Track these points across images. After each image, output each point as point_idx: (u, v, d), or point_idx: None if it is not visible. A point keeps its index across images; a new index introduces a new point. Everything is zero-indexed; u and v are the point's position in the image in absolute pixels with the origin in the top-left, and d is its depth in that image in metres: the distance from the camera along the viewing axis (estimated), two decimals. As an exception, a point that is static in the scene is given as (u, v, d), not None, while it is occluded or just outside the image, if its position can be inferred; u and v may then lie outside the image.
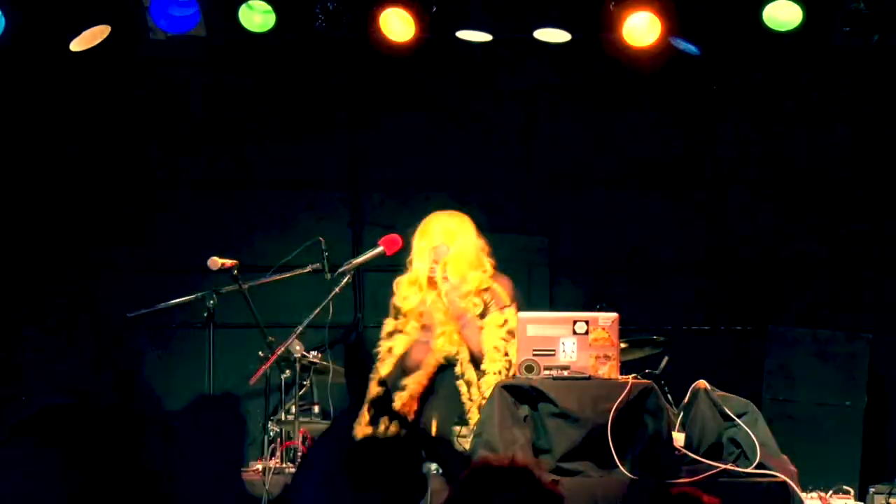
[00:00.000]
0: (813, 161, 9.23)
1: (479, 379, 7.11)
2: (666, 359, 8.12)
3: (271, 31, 8.69)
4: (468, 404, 7.03)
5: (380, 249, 7.39)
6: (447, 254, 7.22)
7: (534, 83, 9.33)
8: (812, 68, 9.09)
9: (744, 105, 9.28)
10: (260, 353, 7.55)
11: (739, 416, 6.76)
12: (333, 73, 9.41)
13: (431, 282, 7.25)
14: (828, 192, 9.23)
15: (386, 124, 9.46)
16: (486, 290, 7.21)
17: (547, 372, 6.64)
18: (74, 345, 9.31)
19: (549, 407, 6.55)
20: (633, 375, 6.80)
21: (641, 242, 9.29)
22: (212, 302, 7.42)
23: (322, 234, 7.74)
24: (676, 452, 6.60)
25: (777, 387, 8.58)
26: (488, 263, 7.28)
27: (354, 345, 9.27)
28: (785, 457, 6.77)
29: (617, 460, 6.45)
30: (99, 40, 8.57)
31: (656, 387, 6.69)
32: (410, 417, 7.09)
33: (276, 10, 8.61)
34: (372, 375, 7.24)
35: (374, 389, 7.20)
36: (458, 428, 7.00)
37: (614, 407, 6.48)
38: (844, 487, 7.51)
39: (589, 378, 6.63)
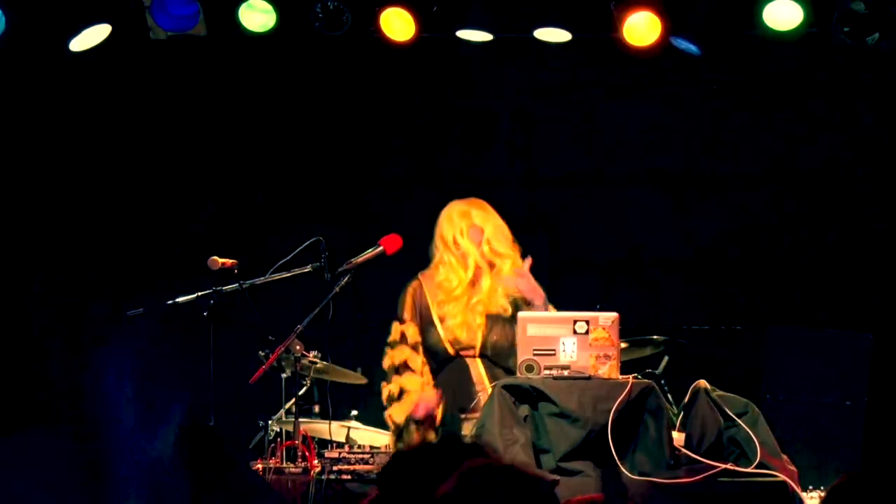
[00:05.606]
0: (812, 160, 9.23)
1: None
2: (666, 359, 8.11)
3: (271, 31, 8.71)
4: (481, 395, 7.03)
5: (380, 249, 7.38)
6: (485, 234, 7.21)
7: (535, 82, 9.33)
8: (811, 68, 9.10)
9: (743, 103, 9.28)
10: (260, 352, 7.54)
11: (739, 416, 6.75)
12: (333, 72, 9.41)
13: (488, 264, 7.22)
14: (828, 192, 9.23)
15: (386, 123, 9.45)
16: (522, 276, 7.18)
17: (547, 372, 6.63)
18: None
19: (549, 407, 6.54)
20: (633, 375, 6.80)
21: (643, 241, 9.28)
22: (212, 301, 7.42)
23: (322, 234, 7.74)
24: (676, 452, 6.60)
25: (777, 387, 8.58)
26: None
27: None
28: (785, 457, 6.76)
29: (617, 460, 6.44)
30: (99, 40, 8.59)
31: (656, 387, 6.69)
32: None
33: (276, 10, 8.62)
34: (387, 417, 7.24)
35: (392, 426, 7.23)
36: (463, 416, 7.06)
37: (614, 407, 6.47)
38: (844, 487, 7.49)
39: (589, 378, 6.62)
